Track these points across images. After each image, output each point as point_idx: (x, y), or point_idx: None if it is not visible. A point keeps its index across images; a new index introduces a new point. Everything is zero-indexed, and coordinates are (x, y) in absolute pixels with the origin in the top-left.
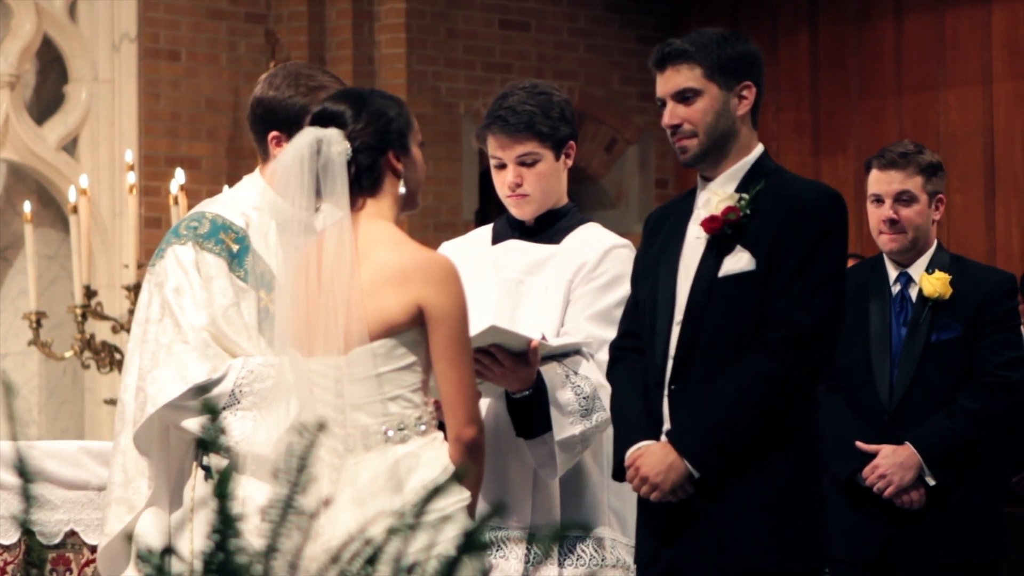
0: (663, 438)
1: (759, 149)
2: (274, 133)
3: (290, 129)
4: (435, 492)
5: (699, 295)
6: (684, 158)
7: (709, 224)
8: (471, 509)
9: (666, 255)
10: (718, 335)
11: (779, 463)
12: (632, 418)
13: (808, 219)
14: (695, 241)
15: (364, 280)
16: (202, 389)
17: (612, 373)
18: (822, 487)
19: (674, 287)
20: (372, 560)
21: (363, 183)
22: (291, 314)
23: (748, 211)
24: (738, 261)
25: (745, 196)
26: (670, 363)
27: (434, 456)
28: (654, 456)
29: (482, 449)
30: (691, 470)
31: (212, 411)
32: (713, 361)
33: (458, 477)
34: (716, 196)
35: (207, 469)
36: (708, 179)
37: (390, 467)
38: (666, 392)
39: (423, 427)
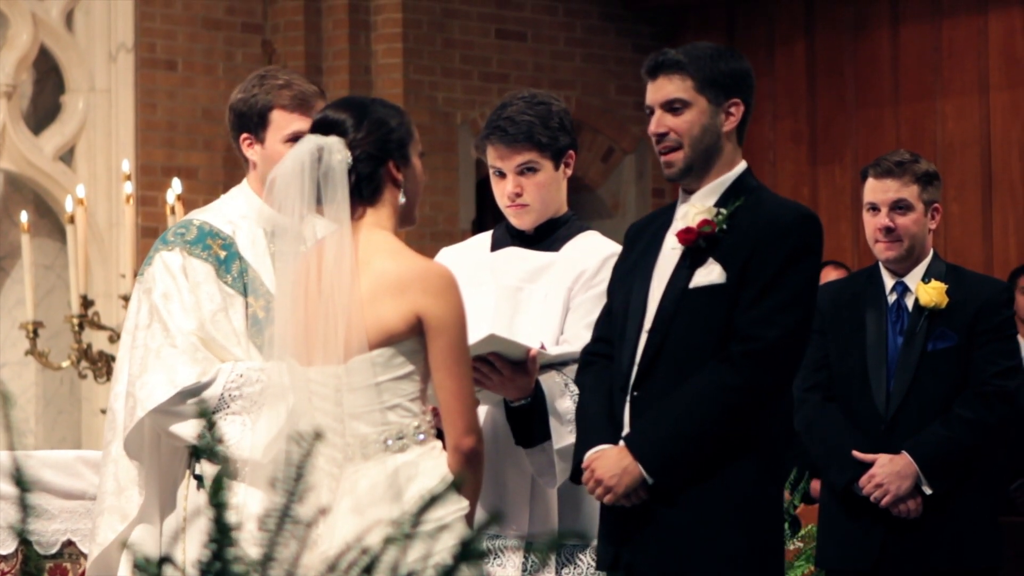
0: (621, 443)
1: (742, 166)
2: (244, 135)
3: (255, 130)
4: (432, 501)
5: (669, 305)
6: (669, 172)
7: (684, 235)
8: (470, 518)
9: (642, 264)
10: (684, 345)
11: (738, 474)
12: (593, 422)
13: (782, 238)
14: (671, 252)
15: (363, 289)
16: (191, 393)
17: (580, 377)
18: (781, 500)
19: (646, 296)
20: (369, 569)
21: (363, 192)
22: (290, 322)
23: (724, 226)
24: (709, 274)
25: (723, 211)
26: (635, 369)
27: (433, 465)
28: (609, 459)
29: (481, 458)
30: (645, 476)
31: (208, 417)
32: (677, 370)
33: (456, 486)
34: (694, 209)
35: (199, 479)
36: (690, 192)
37: (389, 476)
38: (628, 398)
39: (422, 436)
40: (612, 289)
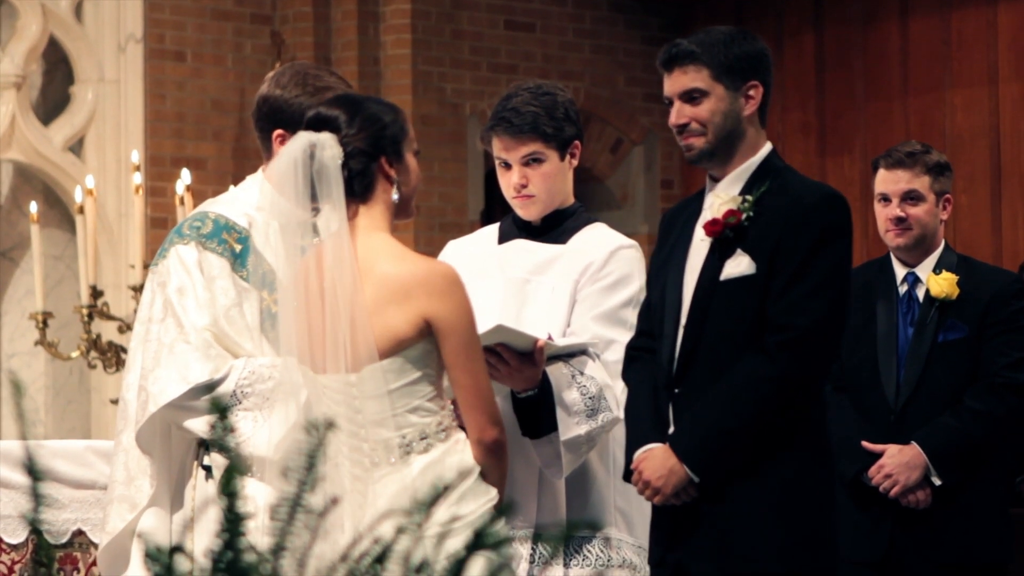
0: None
1: (767, 148)
2: (279, 131)
3: (295, 128)
4: (443, 492)
5: (701, 298)
6: (690, 155)
7: (710, 227)
8: (498, 507)
9: (674, 256)
10: (720, 338)
11: (784, 465)
12: (642, 420)
13: (808, 222)
14: (700, 243)
15: (369, 297)
16: (204, 389)
17: (626, 373)
18: (832, 490)
19: (680, 290)
20: (381, 559)
21: (355, 189)
22: (293, 328)
23: (751, 213)
24: (738, 265)
25: (748, 198)
26: (675, 366)
27: (458, 460)
28: (655, 460)
29: (504, 449)
30: (691, 475)
31: (221, 410)
32: (715, 364)
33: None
34: (719, 199)
35: (208, 469)
36: (716, 179)
37: (413, 481)
38: (671, 395)
39: (443, 433)
40: (650, 281)
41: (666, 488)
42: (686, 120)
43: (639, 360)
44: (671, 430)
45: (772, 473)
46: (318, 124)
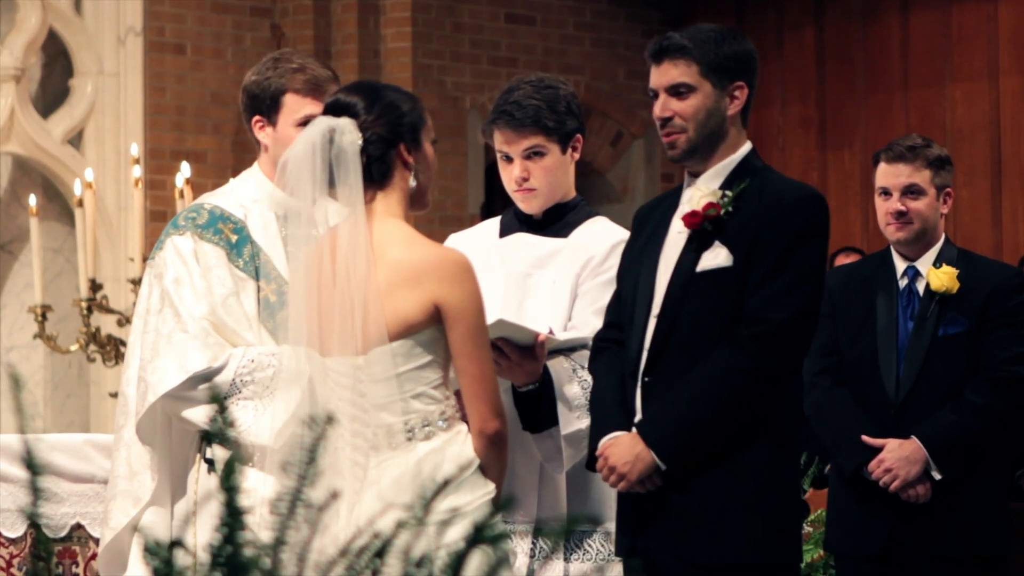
0: (634, 429)
1: (746, 148)
2: (256, 118)
3: (268, 112)
4: (444, 486)
5: (676, 289)
6: (672, 154)
7: (690, 219)
8: (496, 500)
9: (649, 249)
10: (693, 329)
11: (751, 458)
12: (607, 409)
13: (788, 219)
14: (677, 236)
15: (381, 280)
16: (202, 378)
17: (593, 364)
18: (798, 483)
19: (653, 280)
20: (380, 553)
21: (373, 175)
22: (303, 311)
23: (730, 208)
24: (715, 257)
25: (728, 193)
26: (644, 355)
27: (458, 451)
28: (622, 446)
29: (506, 441)
30: (658, 462)
31: (220, 402)
32: (687, 355)
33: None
34: (699, 192)
35: (210, 462)
36: (695, 175)
37: (414, 466)
38: (639, 384)
39: (445, 422)
40: (621, 274)
41: (631, 475)
42: (670, 114)
43: (607, 351)
44: (638, 418)
45: (741, 465)
46: (337, 109)
